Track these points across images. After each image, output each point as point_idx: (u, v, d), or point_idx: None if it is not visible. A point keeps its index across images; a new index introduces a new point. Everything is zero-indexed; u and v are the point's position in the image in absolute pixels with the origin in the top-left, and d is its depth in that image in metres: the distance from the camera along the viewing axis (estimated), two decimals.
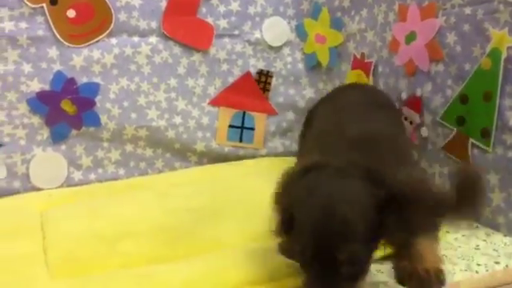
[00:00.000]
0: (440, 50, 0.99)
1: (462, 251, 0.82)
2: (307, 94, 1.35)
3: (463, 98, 0.94)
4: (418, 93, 1.04)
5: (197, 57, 1.26)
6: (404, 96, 1.08)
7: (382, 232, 0.62)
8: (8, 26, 1.08)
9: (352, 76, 1.25)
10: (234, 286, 0.71)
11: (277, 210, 0.66)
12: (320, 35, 1.33)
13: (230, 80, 1.29)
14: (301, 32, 1.35)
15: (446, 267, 0.76)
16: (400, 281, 0.72)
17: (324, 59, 1.34)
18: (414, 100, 1.06)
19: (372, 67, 1.18)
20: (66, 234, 0.85)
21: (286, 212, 0.64)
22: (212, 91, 1.28)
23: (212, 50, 1.27)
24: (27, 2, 1.09)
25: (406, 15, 1.07)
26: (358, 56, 1.24)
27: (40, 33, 1.11)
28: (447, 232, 0.88)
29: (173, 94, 1.24)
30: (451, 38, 0.97)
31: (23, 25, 1.09)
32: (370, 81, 1.18)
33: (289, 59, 1.35)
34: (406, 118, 1.08)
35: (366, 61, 1.21)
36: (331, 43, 1.32)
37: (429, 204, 0.62)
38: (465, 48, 0.94)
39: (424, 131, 1.03)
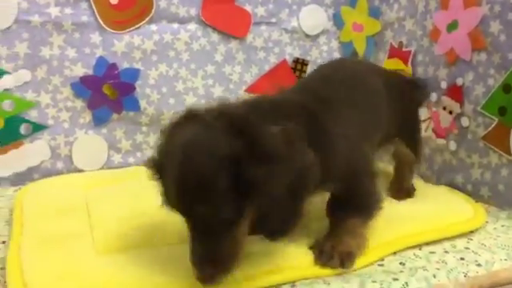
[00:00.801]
0: (483, 38, 0.98)
1: (501, 241, 0.82)
2: None
3: (506, 88, 0.93)
4: (459, 82, 1.03)
5: (234, 44, 1.27)
6: (444, 85, 1.07)
7: (250, 187, 0.58)
8: (54, 11, 1.11)
9: (389, 65, 1.24)
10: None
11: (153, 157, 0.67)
12: (357, 23, 1.32)
13: (266, 68, 1.31)
14: (338, 20, 1.34)
15: (485, 256, 0.76)
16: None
17: (360, 48, 1.33)
18: (454, 89, 1.04)
19: (411, 56, 1.17)
20: (110, 213, 0.88)
21: (156, 160, 0.66)
22: (248, 78, 1.29)
23: (249, 38, 1.28)
24: None
25: (448, 3, 1.05)
26: (395, 45, 1.23)
27: (84, 19, 1.14)
28: (486, 222, 0.88)
29: (210, 81, 1.26)
30: (495, 26, 0.95)
31: (68, 11, 1.12)
32: (409, 70, 1.18)
33: (325, 48, 1.35)
34: (444, 108, 1.07)
35: (403, 49, 1.20)
36: (369, 32, 1.31)
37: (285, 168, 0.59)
38: (509, 37, 0.93)
39: (464, 121, 1.02)
